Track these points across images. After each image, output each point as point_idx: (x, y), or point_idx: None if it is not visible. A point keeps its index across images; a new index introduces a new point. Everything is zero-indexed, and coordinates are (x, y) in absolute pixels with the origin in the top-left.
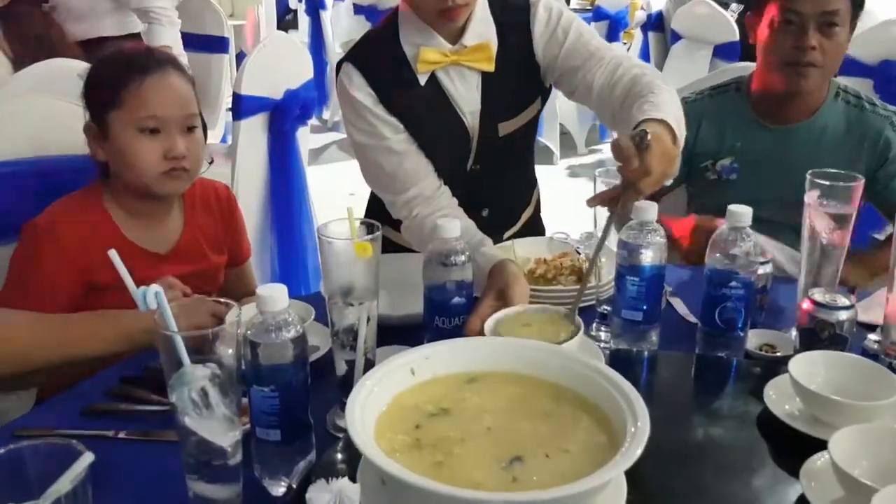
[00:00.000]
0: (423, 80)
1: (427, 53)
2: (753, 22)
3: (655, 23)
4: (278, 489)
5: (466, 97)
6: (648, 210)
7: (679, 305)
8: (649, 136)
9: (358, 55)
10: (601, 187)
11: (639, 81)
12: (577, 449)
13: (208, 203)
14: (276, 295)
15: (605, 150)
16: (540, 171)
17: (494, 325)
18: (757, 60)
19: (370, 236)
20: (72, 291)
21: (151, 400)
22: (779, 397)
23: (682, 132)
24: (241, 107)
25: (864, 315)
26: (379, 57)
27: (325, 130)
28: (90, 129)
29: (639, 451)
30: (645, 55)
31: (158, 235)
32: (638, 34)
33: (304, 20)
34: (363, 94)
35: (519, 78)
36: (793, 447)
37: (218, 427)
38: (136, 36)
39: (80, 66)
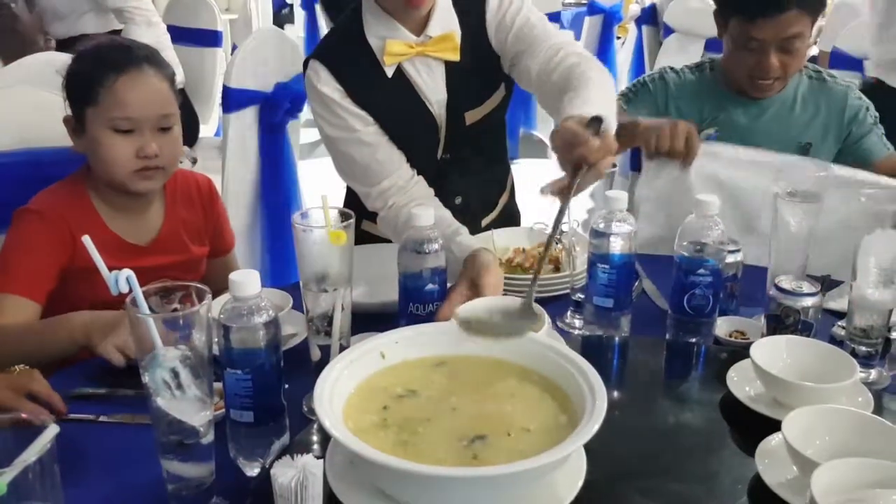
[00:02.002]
0: (389, 72)
1: (393, 46)
2: (719, 23)
3: (649, 16)
4: (253, 469)
5: (433, 87)
6: (619, 199)
7: (652, 292)
8: (604, 123)
9: (324, 51)
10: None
11: (573, 72)
12: (538, 428)
13: (189, 195)
14: (248, 280)
15: None
16: (534, 164)
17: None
18: (724, 49)
19: (344, 224)
20: (57, 277)
21: (131, 385)
22: (741, 380)
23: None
24: (231, 100)
25: (834, 303)
26: (345, 52)
27: None
28: (69, 122)
29: (594, 430)
30: (639, 48)
31: (139, 227)
32: (632, 28)
33: (299, 14)
34: (330, 88)
35: (480, 66)
36: (752, 428)
37: (189, 407)
38: (118, 33)
39: (63, 60)
